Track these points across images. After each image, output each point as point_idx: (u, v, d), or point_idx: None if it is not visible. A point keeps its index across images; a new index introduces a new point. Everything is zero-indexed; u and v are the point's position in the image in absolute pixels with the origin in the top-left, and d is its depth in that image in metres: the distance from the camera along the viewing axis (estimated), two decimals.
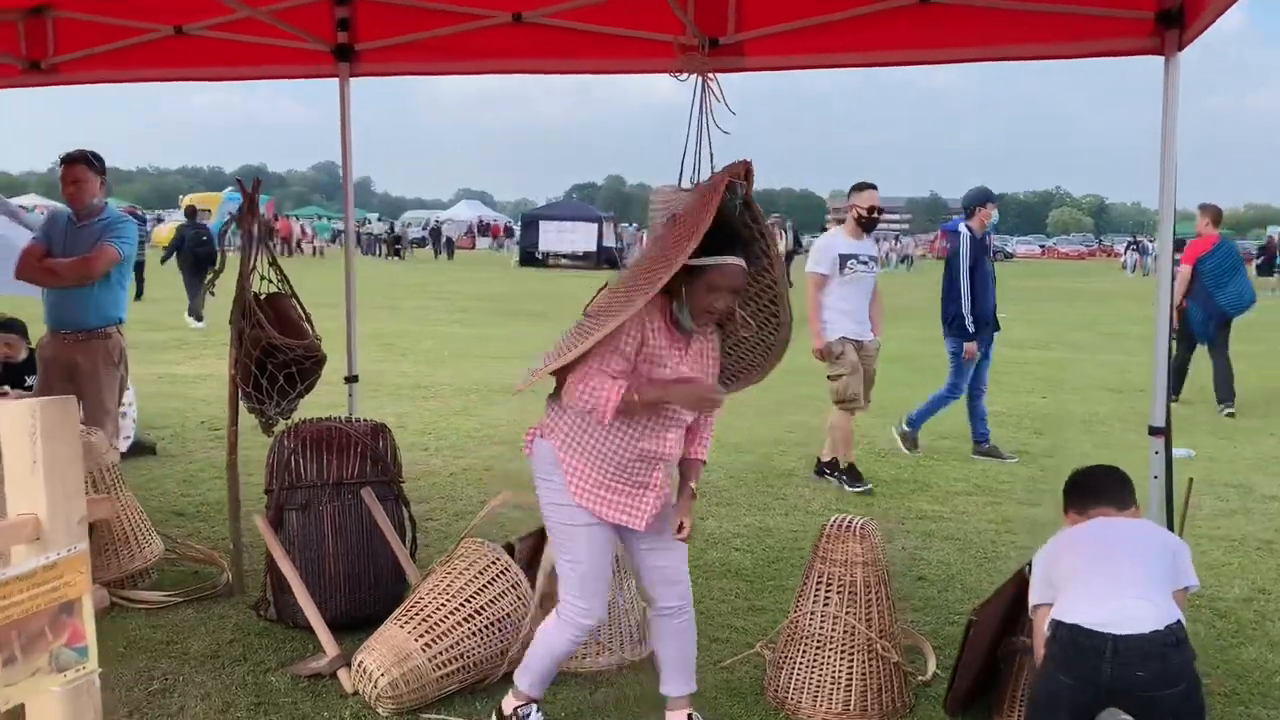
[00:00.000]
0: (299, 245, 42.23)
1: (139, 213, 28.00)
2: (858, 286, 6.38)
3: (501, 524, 5.15)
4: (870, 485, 6.38)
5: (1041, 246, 73.87)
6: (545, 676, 3.16)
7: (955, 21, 4.15)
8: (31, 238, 5.55)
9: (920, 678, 3.63)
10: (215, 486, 5.86)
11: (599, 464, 2.94)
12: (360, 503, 4.03)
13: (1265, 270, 30.76)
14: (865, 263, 6.43)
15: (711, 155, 3.38)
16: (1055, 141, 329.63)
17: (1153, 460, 3.86)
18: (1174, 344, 4.11)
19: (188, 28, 5.08)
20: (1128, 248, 48.55)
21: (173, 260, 16.86)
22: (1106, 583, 2.76)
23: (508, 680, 3.47)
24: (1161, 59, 3.79)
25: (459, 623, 3.44)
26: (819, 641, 3.40)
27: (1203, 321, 9.66)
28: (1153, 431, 3.88)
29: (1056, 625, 2.74)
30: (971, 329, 7.09)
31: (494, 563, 3.60)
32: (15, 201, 19.67)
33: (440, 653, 3.38)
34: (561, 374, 2.94)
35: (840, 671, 3.36)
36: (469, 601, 3.50)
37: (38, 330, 5.36)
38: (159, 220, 43.32)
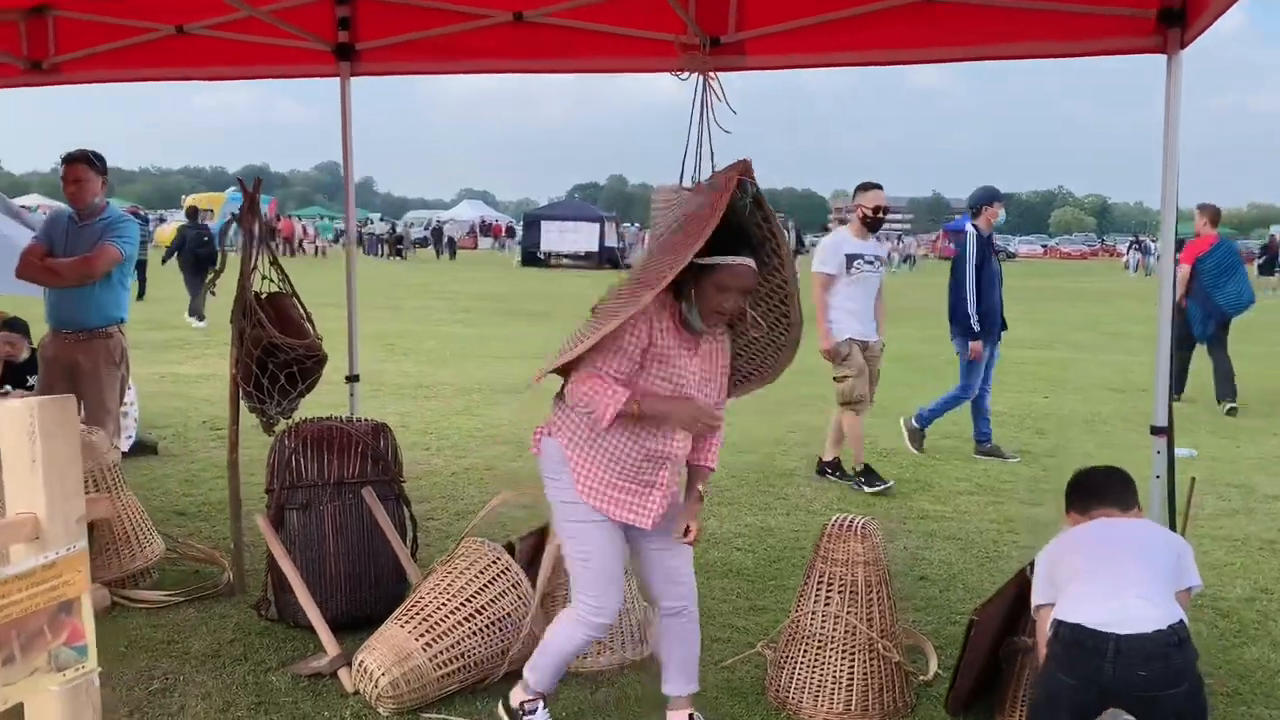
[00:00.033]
0: (301, 245, 42.26)
1: (141, 213, 28.02)
2: (864, 286, 6.37)
3: (502, 523, 5.14)
4: (891, 483, 6.37)
5: (1044, 246, 73.79)
6: (554, 673, 3.15)
7: (957, 20, 4.14)
8: (33, 237, 5.55)
9: (922, 677, 3.62)
10: (217, 486, 5.86)
11: (606, 463, 2.94)
12: (361, 502, 4.03)
13: (1267, 270, 30.68)
14: (871, 262, 6.42)
15: (712, 154, 3.38)
16: (1057, 141, 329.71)
17: (1155, 460, 3.86)
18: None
19: (188, 27, 5.09)
20: (1130, 247, 48.49)
21: (174, 260, 16.87)
22: (1109, 583, 2.75)
23: (509, 680, 3.47)
24: (1164, 57, 3.78)
25: (460, 622, 3.44)
26: (820, 641, 3.40)
27: (1202, 321, 9.66)
28: (1155, 431, 3.88)
29: (1058, 625, 2.73)
30: (977, 328, 7.08)
31: (495, 562, 3.60)
32: (18, 202, 19.69)
33: (441, 652, 3.38)
34: (568, 371, 2.94)
35: (841, 671, 3.36)
36: (470, 601, 3.49)
37: (40, 330, 5.36)
38: (161, 220, 43.37)
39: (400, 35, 4.96)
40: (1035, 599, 2.95)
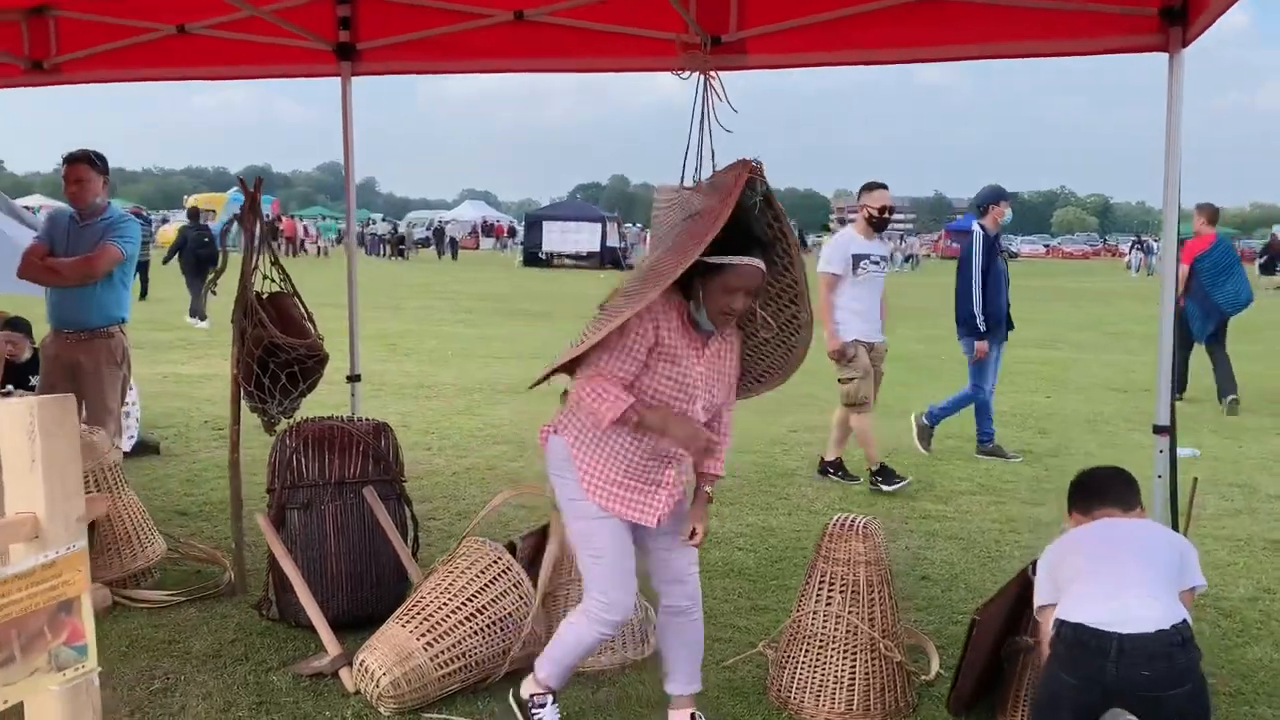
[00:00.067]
0: (303, 246, 42.30)
1: (144, 213, 28.07)
2: (870, 287, 6.36)
3: (504, 523, 5.15)
4: (909, 479, 6.36)
5: (1046, 246, 73.72)
6: (565, 670, 3.13)
7: (958, 19, 4.14)
8: (34, 237, 5.55)
9: (923, 677, 3.62)
10: (218, 486, 5.86)
11: (611, 461, 2.93)
12: (362, 502, 4.03)
13: (1268, 269, 30.61)
14: (877, 263, 6.41)
15: (713, 154, 3.37)
16: (1059, 140, 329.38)
17: (1157, 459, 3.85)
18: None
19: (189, 27, 5.09)
20: (1132, 247, 48.41)
21: (175, 261, 16.89)
22: (1111, 582, 2.74)
23: (510, 679, 3.47)
24: (1165, 56, 3.78)
25: (461, 622, 3.44)
26: (822, 641, 3.39)
27: (1201, 320, 9.66)
28: (1157, 430, 3.87)
29: (1061, 624, 2.72)
30: (983, 328, 7.06)
31: (496, 561, 3.59)
32: (20, 202, 19.73)
33: (442, 652, 3.37)
34: (575, 370, 2.93)
35: (843, 671, 3.35)
36: (471, 600, 3.49)
37: (43, 330, 5.36)
38: (164, 221, 43.42)
39: (401, 35, 4.96)
40: (1038, 600, 2.94)
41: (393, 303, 19.64)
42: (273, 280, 4.30)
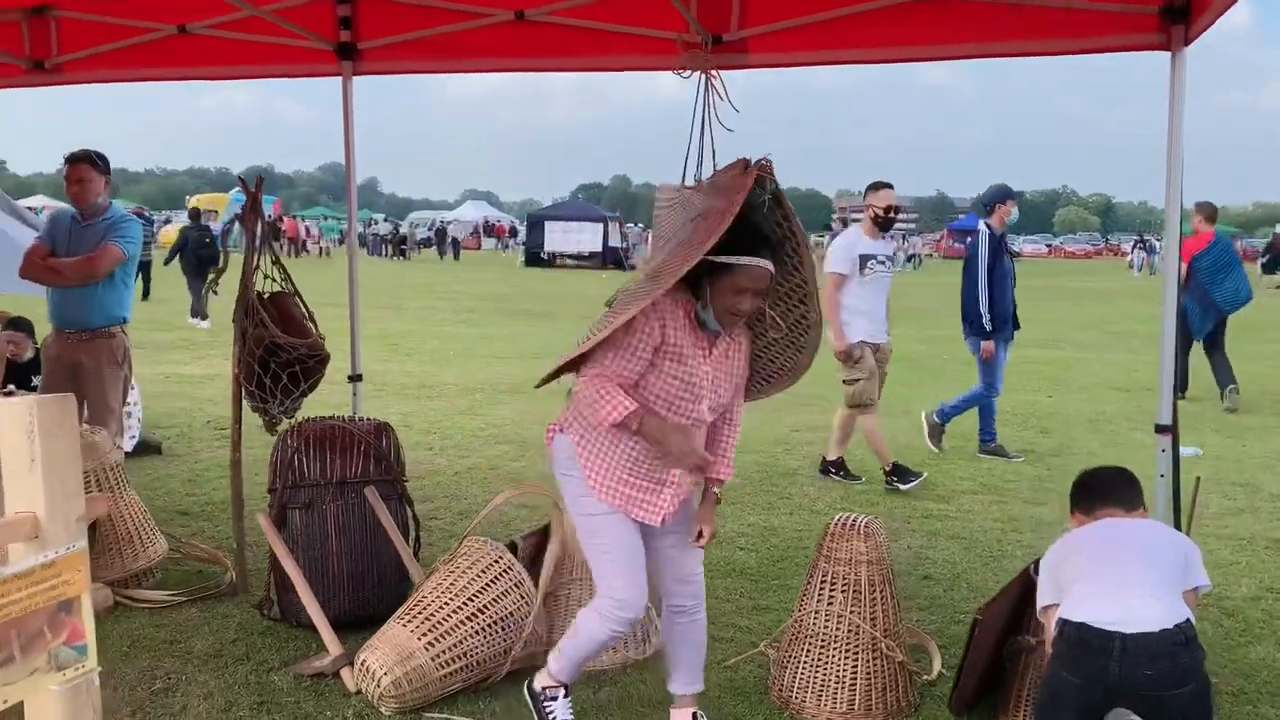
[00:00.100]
0: (304, 246, 42.33)
1: (146, 213, 28.11)
2: (876, 287, 6.34)
3: (505, 523, 5.15)
4: (924, 474, 6.36)
5: (1048, 245, 73.63)
6: (577, 665, 3.13)
7: (959, 17, 4.13)
8: (35, 237, 5.56)
9: (925, 677, 3.61)
10: (220, 486, 5.86)
11: (617, 460, 2.92)
12: (364, 501, 4.03)
13: (1270, 268, 30.59)
14: (883, 263, 6.40)
15: (714, 153, 3.37)
16: (1061, 140, 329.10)
17: (1159, 458, 3.84)
18: None
19: (190, 27, 5.09)
20: (1134, 246, 48.36)
21: (177, 262, 16.91)
22: (1114, 582, 2.73)
23: (511, 679, 3.47)
24: (1167, 55, 3.77)
25: (462, 621, 3.43)
26: (823, 640, 3.39)
27: (1200, 319, 9.65)
28: (1159, 430, 3.86)
29: (1064, 624, 2.71)
30: (989, 327, 7.05)
31: (497, 561, 3.59)
32: (24, 203, 19.76)
33: (443, 651, 3.37)
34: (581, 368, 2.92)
35: (845, 671, 3.35)
36: (472, 600, 3.49)
37: (45, 330, 5.36)
38: (167, 221, 43.45)
39: (402, 34, 4.96)
40: (1041, 600, 2.93)
41: (395, 303, 19.65)
42: (274, 280, 4.30)
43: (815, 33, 4.35)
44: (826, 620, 3.39)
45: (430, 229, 52.54)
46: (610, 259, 37.25)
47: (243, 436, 4.37)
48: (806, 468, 6.84)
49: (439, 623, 3.42)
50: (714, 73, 3.60)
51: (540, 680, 3.18)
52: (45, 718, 1.72)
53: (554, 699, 3.14)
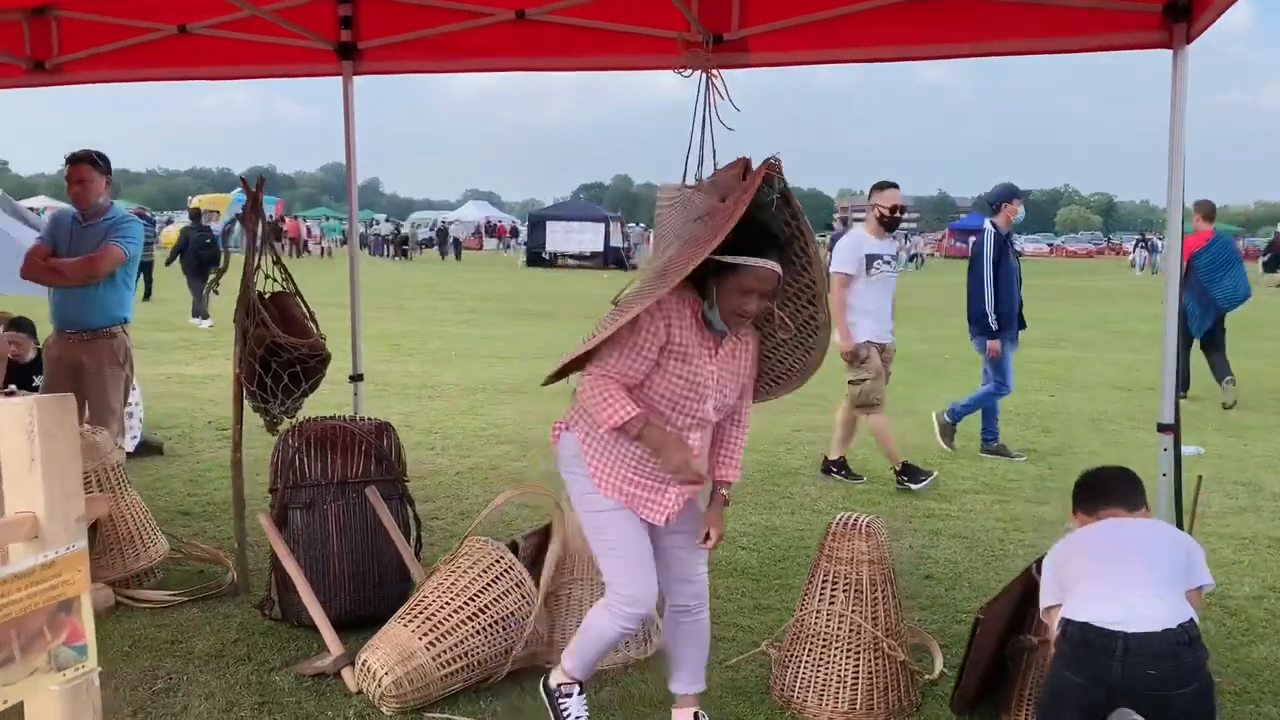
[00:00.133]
0: (306, 246, 42.37)
1: (147, 214, 28.14)
2: (882, 287, 6.32)
3: (506, 522, 5.15)
4: (935, 473, 6.35)
5: (1050, 245, 73.53)
6: (591, 661, 3.12)
7: (960, 16, 4.13)
8: (37, 238, 5.56)
9: (927, 676, 3.61)
10: (222, 486, 5.86)
11: (622, 459, 2.91)
12: (365, 501, 4.02)
13: (1271, 267, 30.63)
14: (889, 263, 6.39)
15: (715, 152, 3.36)
16: (1063, 139, 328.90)
17: (1161, 457, 3.84)
18: None
19: (191, 27, 5.09)
20: (1136, 246, 48.32)
21: (178, 262, 16.93)
22: (1117, 582, 2.73)
23: (512, 679, 3.47)
24: (1169, 53, 3.76)
25: (463, 621, 3.43)
26: (825, 640, 3.38)
27: (1199, 317, 9.64)
28: (1161, 428, 3.86)
29: (1066, 623, 2.71)
30: (995, 327, 7.04)
31: (498, 561, 3.59)
32: (26, 204, 19.79)
33: (444, 651, 3.37)
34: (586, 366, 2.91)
35: (846, 670, 3.34)
36: (473, 600, 3.48)
37: (47, 330, 5.36)
38: (169, 222, 43.52)
39: (402, 34, 4.95)
40: (1044, 601, 2.92)
41: (396, 303, 19.65)
42: (275, 280, 4.30)
43: (816, 31, 4.35)
44: (828, 620, 3.39)
45: (432, 229, 52.57)
46: (612, 259, 37.26)
47: (244, 436, 4.37)
48: (808, 467, 6.83)
49: (440, 622, 3.42)
50: (715, 72, 3.60)
51: (555, 677, 3.18)
52: (45, 718, 1.72)
53: (568, 696, 3.14)
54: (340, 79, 5.07)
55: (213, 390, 9.34)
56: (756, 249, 2.77)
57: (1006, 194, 7.29)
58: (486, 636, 3.45)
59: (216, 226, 22.23)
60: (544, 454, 6.86)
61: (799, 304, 3.06)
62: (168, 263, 17.80)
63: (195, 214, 19.48)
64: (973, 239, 7.65)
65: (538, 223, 41.19)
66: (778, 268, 2.81)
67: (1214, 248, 9.74)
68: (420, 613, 3.46)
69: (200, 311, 15.17)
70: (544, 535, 3.87)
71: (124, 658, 3.67)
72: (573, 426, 3.00)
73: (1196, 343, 9.83)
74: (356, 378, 5.25)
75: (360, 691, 3.39)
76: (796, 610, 3.54)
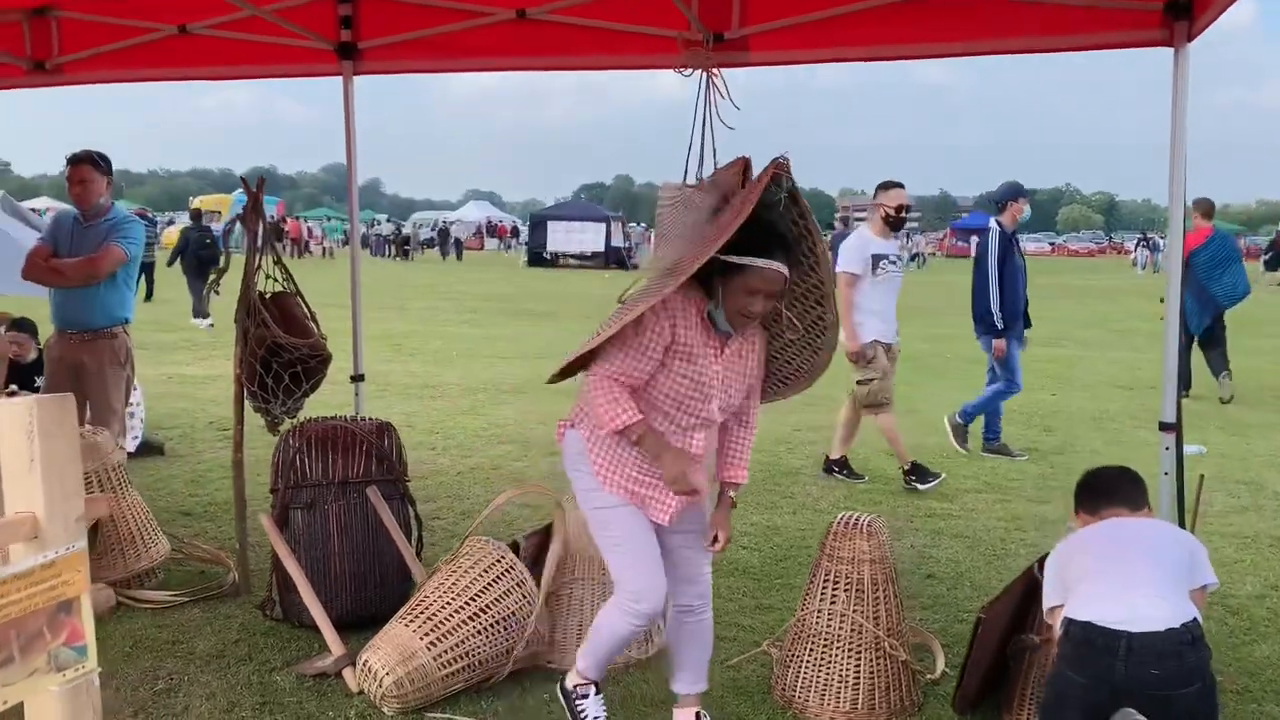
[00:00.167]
0: (307, 247, 42.39)
1: (149, 215, 28.16)
2: (888, 287, 6.32)
3: (507, 522, 5.15)
4: (943, 475, 6.34)
5: (1051, 244, 73.55)
6: (604, 660, 3.11)
7: (961, 14, 4.13)
8: (38, 238, 5.57)
9: (929, 676, 3.60)
10: (223, 486, 5.86)
11: (626, 457, 2.90)
12: (366, 501, 4.02)
13: (1273, 265, 30.67)
14: (894, 262, 6.38)
15: (715, 152, 3.36)
16: (1064, 138, 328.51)
17: (1163, 456, 3.83)
18: None
19: (191, 27, 5.10)
20: (1138, 244, 48.29)
21: (179, 263, 16.93)
22: (1120, 581, 2.72)
23: (513, 679, 3.47)
24: (1170, 51, 3.76)
25: (464, 621, 3.43)
26: (826, 640, 3.38)
27: (1197, 315, 9.64)
28: (1163, 427, 3.85)
29: (1069, 623, 2.70)
30: (1000, 325, 7.03)
31: (499, 561, 3.58)
32: (28, 204, 19.83)
33: (445, 651, 3.36)
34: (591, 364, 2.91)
35: (848, 670, 3.34)
36: (474, 600, 3.48)
37: (49, 331, 5.37)
38: (170, 223, 43.58)
39: (402, 34, 4.96)
40: (1048, 601, 2.91)
41: (398, 303, 19.66)
42: (275, 280, 4.30)
43: (816, 30, 4.34)
44: (829, 619, 3.38)
45: (433, 229, 52.58)
46: (613, 259, 37.26)
47: (245, 437, 4.37)
48: (810, 467, 6.83)
49: (441, 622, 3.41)
50: (715, 71, 3.59)
51: (571, 679, 3.18)
52: (45, 718, 1.72)
53: (585, 697, 3.14)
54: (340, 79, 5.07)
55: (214, 390, 9.34)
56: (763, 249, 2.75)
57: (1012, 192, 7.29)
58: (488, 636, 3.45)
59: (217, 227, 22.26)
60: (545, 454, 6.86)
61: (807, 304, 3.04)
62: (169, 263, 17.82)
63: (196, 214, 19.51)
64: (974, 238, 7.65)
65: (539, 223, 41.20)
66: (784, 269, 2.79)
67: (1213, 245, 9.74)
68: (421, 613, 3.46)
69: (200, 312, 15.18)
70: (545, 535, 3.87)
71: (125, 658, 3.67)
72: (578, 424, 2.99)
73: (1196, 340, 9.83)
74: (358, 378, 5.25)
75: (361, 692, 3.39)
76: (798, 610, 3.54)
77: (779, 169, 2.76)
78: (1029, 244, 67.04)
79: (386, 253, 46.01)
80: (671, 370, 2.82)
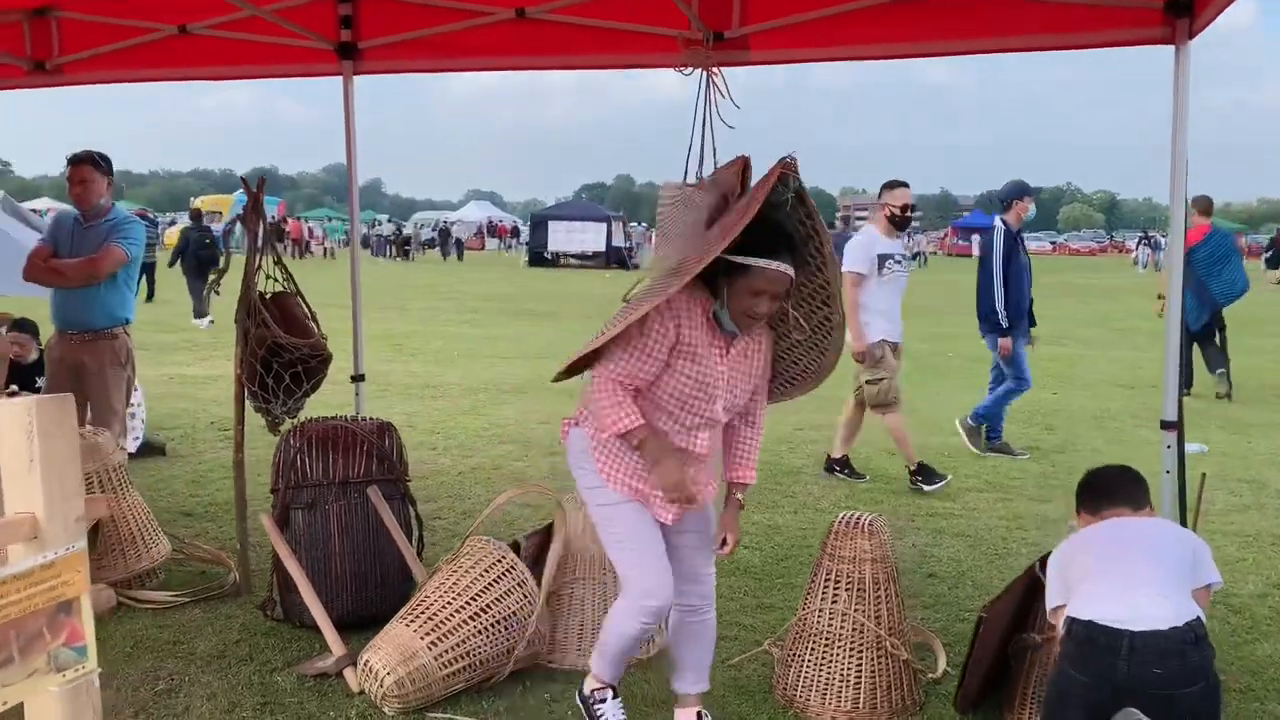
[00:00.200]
0: (308, 247, 42.42)
1: (149, 215, 28.18)
2: (894, 286, 6.31)
3: (508, 522, 5.15)
4: (949, 476, 6.33)
5: (1052, 243, 73.49)
6: (617, 662, 3.09)
7: (961, 13, 4.12)
8: (38, 239, 5.57)
9: (930, 675, 3.60)
10: (224, 486, 5.87)
11: (629, 456, 2.90)
12: (366, 501, 4.02)
13: (1274, 263, 30.69)
14: (900, 262, 6.38)
15: (715, 151, 3.35)
16: (1065, 137, 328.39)
17: (1165, 455, 3.83)
18: None
19: (191, 27, 5.09)
20: (1139, 243, 48.28)
21: (179, 264, 16.94)
22: (1122, 581, 2.71)
23: (514, 679, 3.47)
24: (1171, 49, 3.75)
25: (465, 621, 3.43)
26: (828, 639, 3.37)
27: (1196, 312, 9.63)
28: (1165, 426, 3.85)
29: (1071, 622, 2.69)
30: (1005, 324, 7.02)
31: (500, 561, 3.58)
32: (29, 205, 19.84)
33: (446, 651, 3.36)
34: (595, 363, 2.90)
35: (849, 669, 3.33)
36: (475, 600, 3.48)
37: (49, 331, 5.37)
38: (171, 223, 43.59)
39: (403, 33, 4.95)
40: (1050, 601, 2.90)
41: (398, 303, 19.66)
42: (276, 280, 4.30)
43: (816, 29, 4.34)
44: (831, 619, 3.38)
45: (434, 229, 52.59)
46: (614, 259, 37.26)
47: (245, 437, 4.37)
48: (811, 466, 6.82)
49: (442, 622, 3.41)
50: (715, 70, 3.58)
51: (588, 685, 3.17)
52: (45, 719, 1.72)
53: (603, 700, 3.13)
54: (340, 79, 5.07)
55: (214, 391, 9.35)
56: (769, 249, 2.73)
57: (1017, 191, 7.28)
58: (489, 636, 3.44)
59: (217, 227, 22.27)
60: (546, 454, 6.86)
61: (814, 304, 3.04)
62: (170, 264, 17.83)
63: (196, 215, 19.52)
64: (976, 237, 7.66)
65: (540, 223, 41.20)
66: (790, 270, 2.77)
67: (1211, 241, 9.73)
68: (422, 613, 3.46)
69: (200, 312, 15.18)
70: (546, 535, 3.87)
71: (126, 658, 3.67)
72: (582, 422, 2.99)
73: (1194, 337, 9.82)
74: (358, 378, 5.25)
75: (362, 692, 3.39)
76: (799, 609, 3.53)
77: (786, 168, 2.74)
78: (1030, 243, 67.01)
79: (387, 253, 46.02)
80: (676, 370, 2.82)
